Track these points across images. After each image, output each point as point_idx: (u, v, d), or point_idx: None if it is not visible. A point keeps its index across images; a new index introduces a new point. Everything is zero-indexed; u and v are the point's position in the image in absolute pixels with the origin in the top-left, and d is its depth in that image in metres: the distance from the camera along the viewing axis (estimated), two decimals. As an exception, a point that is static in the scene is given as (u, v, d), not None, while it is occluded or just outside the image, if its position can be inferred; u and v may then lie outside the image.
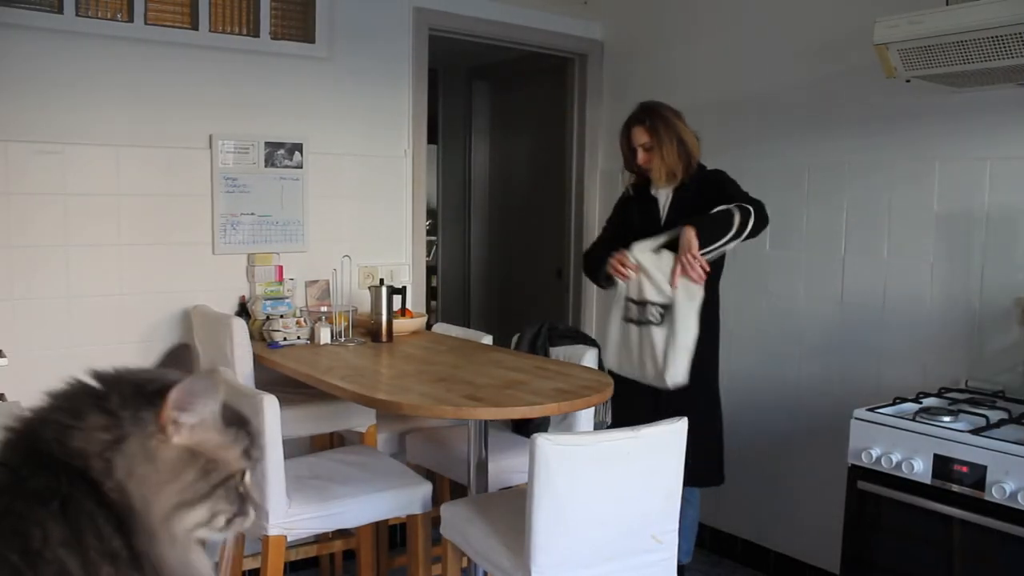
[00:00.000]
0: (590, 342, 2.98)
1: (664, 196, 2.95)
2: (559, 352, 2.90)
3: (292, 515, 2.27)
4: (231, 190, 3.15)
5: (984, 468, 2.14)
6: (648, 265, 2.75)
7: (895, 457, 2.33)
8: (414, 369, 2.63)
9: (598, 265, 2.93)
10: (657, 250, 2.76)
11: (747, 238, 2.73)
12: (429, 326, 3.40)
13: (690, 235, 2.65)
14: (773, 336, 3.37)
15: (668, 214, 2.92)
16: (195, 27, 3.04)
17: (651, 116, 2.89)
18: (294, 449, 2.99)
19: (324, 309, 3.17)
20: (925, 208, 2.87)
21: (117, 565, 0.68)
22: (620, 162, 3.06)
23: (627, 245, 2.84)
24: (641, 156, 2.90)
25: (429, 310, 3.96)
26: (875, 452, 2.37)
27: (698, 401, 2.81)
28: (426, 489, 2.46)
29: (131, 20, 2.92)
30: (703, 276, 2.68)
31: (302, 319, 3.03)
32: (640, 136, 2.89)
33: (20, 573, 0.63)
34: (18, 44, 2.74)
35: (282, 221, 3.27)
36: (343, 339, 3.04)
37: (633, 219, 3.02)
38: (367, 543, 2.73)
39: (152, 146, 3.00)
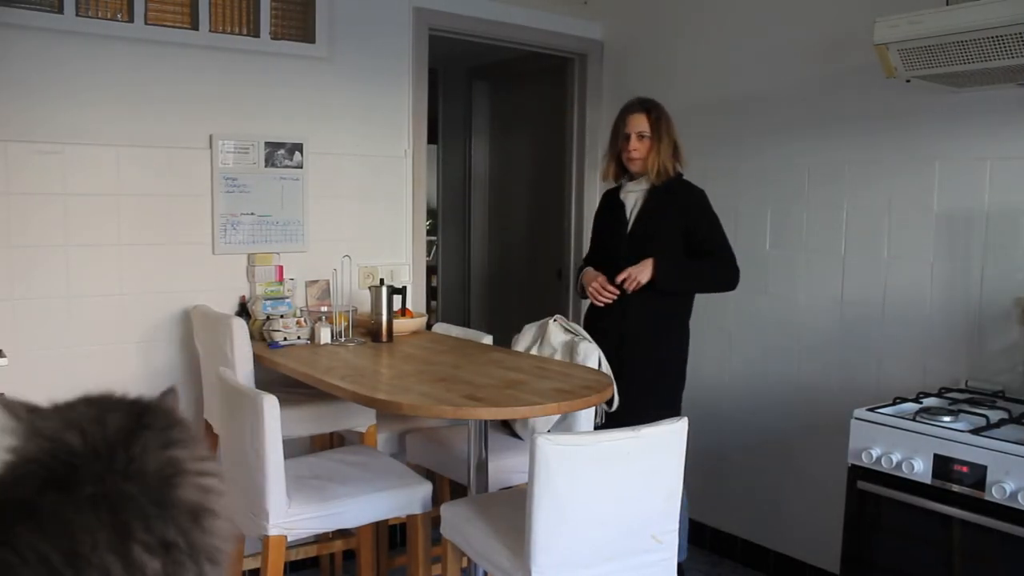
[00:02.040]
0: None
1: (632, 201, 2.98)
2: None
3: (292, 515, 2.26)
4: (231, 190, 3.15)
5: (984, 468, 2.14)
6: (555, 339, 2.88)
7: (895, 457, 2.33)
8: (414, 369, 2.63)
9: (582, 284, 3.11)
10: (569, 336, 2.87)
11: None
12: (429, 326, 3.40)
13: (641, 272, 2.82)
14: (773, 336, 3.37)
15: (635, 219, 2.96)
16: (195, 27, 3.04)
17: (656, 108, 2.96)
18: (294, 449, 2.99)
19: (324, 309, 3.17)
20: (925, 208, 2.87)
21: (169, 554, 0.69)
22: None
23: (605, 259, 3.02)
24: (634, 142, 2.92)
25: (429, 310, 3.96)
26: (875, 452, 2.37)
27: (650, 411, 2.84)
28: (426, 489, 2.46)
29: (131, 20, 2.92)
30: (606, 297, 2.94)
31: (302, 319, 3.03)
32: (640, 123, 2.92)
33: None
34: (18, 44, 2.74)
35: (282, 221, 3.27)
36: (343, 339, 3.04)
37: (603, 227, 3.13)
38: (367, 543, 2.73)
39: (152, 146, 3.00)
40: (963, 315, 2.77)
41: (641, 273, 2.83)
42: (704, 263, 2.92)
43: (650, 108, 2.94)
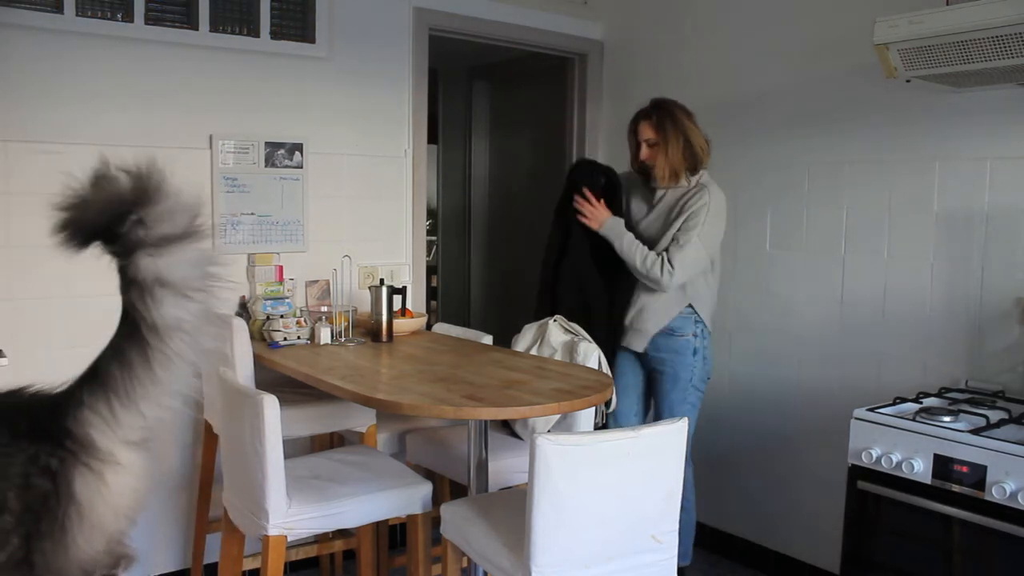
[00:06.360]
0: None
1: (659, 195, 2.97)
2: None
3: (292, 515, 2.26)
4: (231, 190, 3.15)
5: (984, 468, 2.14)
6: (555, 339, 2.88)
7: (895, 457, 2.33)
8: (414, 369, 2.63)
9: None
10: (570, 336, 2.87)
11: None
12: (429, 326, 3.40)
13: (601, 217, 2.95)
14: (773, 336, 3.37)
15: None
16: (195, 27, 3.04)
17: (659, 112, 2.91)
18: (294, 449, 2.99)
19: (324, 309, 3.17)
20: (925, 208, 2.87)
21: None
22: (620, 162, 3.06)
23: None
24: (644, 151, 2.91)
25: (429, 310, 3.96)
26: (875, 452, 2.37)
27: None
28: (426, 489, 2.45)
29: (131, 20, 2.92)
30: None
31: (302, 319, 3.03)
32: (645, 131, 2.90)
33: None
34: (18, 44, 2.74)
35: (282, 221, 3.27)
36: (343, 339, 3.04)
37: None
38: (367, 543, 2.73)
39: (152, 146, 2.99)
40: (963, 315, 2.77)
41: (596, 219, 2.96)
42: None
43: (652, 112, 2.91)
